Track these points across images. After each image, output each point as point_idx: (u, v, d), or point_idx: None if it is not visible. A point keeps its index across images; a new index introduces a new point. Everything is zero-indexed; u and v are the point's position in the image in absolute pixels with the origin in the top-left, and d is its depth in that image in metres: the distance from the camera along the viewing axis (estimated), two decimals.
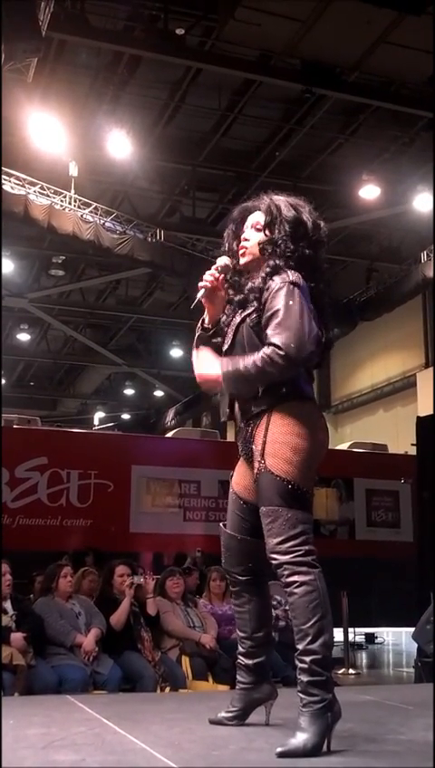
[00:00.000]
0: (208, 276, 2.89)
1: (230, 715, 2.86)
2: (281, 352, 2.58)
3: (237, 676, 2.93)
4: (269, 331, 2.64)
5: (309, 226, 2.80)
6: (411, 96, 12.98)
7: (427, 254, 15.13)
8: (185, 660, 5.51)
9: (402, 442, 11.86)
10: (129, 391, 26.05)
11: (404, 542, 10.88)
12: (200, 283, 2.90)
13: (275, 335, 2.61)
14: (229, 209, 12.65)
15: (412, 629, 6.55)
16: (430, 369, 16.82)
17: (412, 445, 9.74)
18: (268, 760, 2.40)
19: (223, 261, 2.91)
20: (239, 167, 15.25)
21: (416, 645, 6.51)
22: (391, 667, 11.17)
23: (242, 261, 2.87)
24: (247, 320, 2.78)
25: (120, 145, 13.34)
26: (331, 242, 15.06)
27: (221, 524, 2.92)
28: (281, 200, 2.85)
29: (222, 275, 2.90)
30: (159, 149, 14.32)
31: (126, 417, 26.08)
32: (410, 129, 14.02)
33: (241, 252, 2.86)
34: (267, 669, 2.91)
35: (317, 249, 2.82)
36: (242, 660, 2.89)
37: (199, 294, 2.92)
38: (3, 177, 12.67)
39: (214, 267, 2.91)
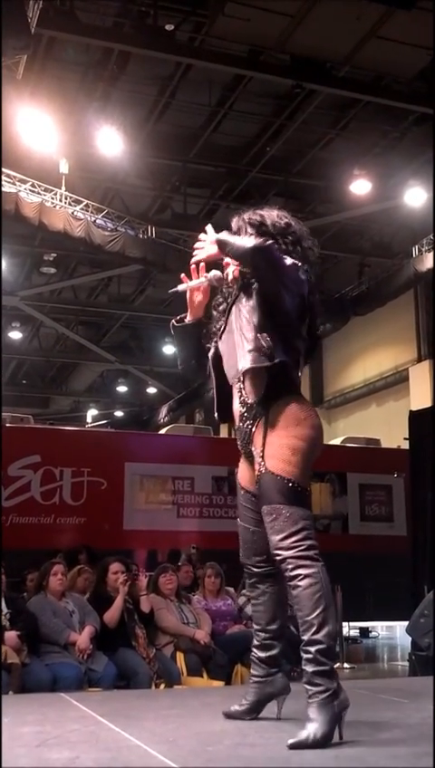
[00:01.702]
0: (194, 282, 3.03)
1: (243, 708, 2.90)
2: (270, 248, 2.73)
3: (251, 670, 2.99)
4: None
5: (268, 224, 2.91)
6: (402, 91, 12.98)
7: (418, 249, 15.15)
8: (179, 656, 5.52)
9: (395, 436, 11.88)
10: (121, 388, 26.03)
11: (398, 536, 10.91)
12: (183, 276, 3.06)
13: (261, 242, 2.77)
14: (221, 205, 12.67)
15: (406, 623, 6.57)
16: (423, 363, 16.86)
17: (405, 439, 9.77)
18: (262, 755, 2.41)
19: (212, 274, 3.03)
20: (230, 162, 15.22)
21: (410, 638, 6.53)
22: (386, 660, 11.20)
23: (231, 276, 2.98)
24: (239, 303, 2.89)
25: (111, 142, 13.30)
26: (321, 237, 15.05)
27: (238, 519, 3.01)
28: (250, 212, 2.99)
29: (206, 283, 3.02)
30: (149, 146, 14.29)
31: (119, 414, 26.06)
32: (401, 124, 14.02)
33: (225, 274, 2.99)
34: (281, 662, 2.96)
35: (293, 245, 2.89)
36: (256, 653, 2.95)
37: (181, 287, 3.06)
38: None
39: (204, 275, 3.03)
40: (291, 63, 12.48)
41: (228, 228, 3.01)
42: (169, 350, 22.92)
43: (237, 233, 2.93)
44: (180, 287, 3.05)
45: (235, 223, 3.00)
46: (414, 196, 14.60)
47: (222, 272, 3.02)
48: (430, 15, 10.95)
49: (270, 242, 2.77)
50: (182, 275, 3.08)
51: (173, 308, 20.10)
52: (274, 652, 2.92)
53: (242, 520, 2.96)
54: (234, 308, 2.91)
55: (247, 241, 2.76)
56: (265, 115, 14.06)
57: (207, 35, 12.14)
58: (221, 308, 3.04)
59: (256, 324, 2.78)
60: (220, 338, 2.97)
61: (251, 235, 2.86)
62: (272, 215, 2.94)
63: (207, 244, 2.94)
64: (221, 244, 2.85)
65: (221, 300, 3.05)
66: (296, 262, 2.81)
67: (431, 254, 14.36)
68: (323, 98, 13.28)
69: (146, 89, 13.40)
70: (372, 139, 14.58)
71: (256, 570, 2.94)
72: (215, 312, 3.05)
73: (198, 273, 3.05)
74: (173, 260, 15.03)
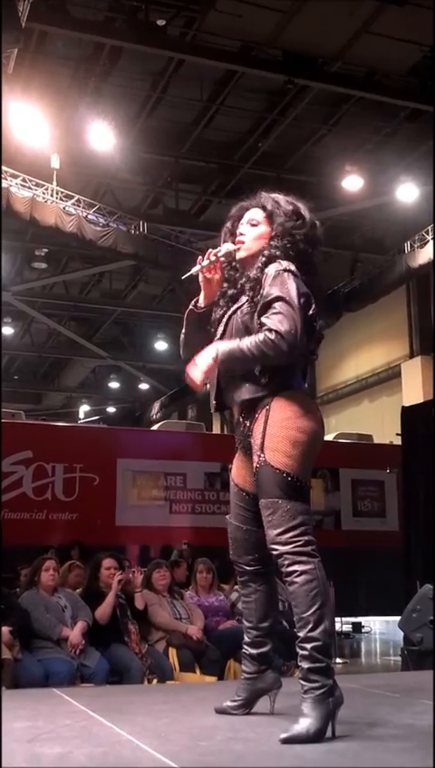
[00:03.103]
0: (208, 261, 2.92)
1: (235, 704, 2.90)
2: (282, 338, 2.61)
3: (242, 666, 2.97)
4: (267, 319, 2.66)
5: (307, 222, 2.85)
6: (394, 86, 12.97)
7: (410, 245, 15.16)
8: (172, 652, 5.51)
9: (388, 432, 11.91)
10: (114, 384, 25.99)
11: (390, 531, 10.94)
12: (199, 258, 2.94)
13: (275, 322, 2.64)
14: (212, 201, 12.66)
15: (399, 618, 6.58)
16: (415, 359, 16.89)
17: (397, 435, 9.79)
18: (255, 750, 2.41)
19: (227, 246, 2.93)
20: (222, 158, 15.21)
21: (402, 633, 6.54)
22: (379, 655, 11.22)
23: (238, 255, 2.91)
24: (239, 312, 2.83)
25: (103, 137, 13.26)
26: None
27: (227, 516, 2.97)
28: (279, 196, 2.91)
29: (222, 258, 2.93)
30: (141, 141, 14.25)
31: (111, 410, 26.03)
32: (393, 120, 14.02)
33: (237, 247, 2.90)
34: (272, 658, 2.95)
35: (313, 246, 2.87)
36: (247, 650, 2.93)
37: (194, 269, 2.95)
38: None
39: (216, 249, 2.95)
40: (283, 59, 12.47)
41: (239, 214, 2.94)
42: (161, 346, 22.91)
43: (269, 217, 2.86)
44: (194, 270, 2.95)
45: (265, 203, 2.90)
46: (406, 192, 14.61)
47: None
48: (422, 11, 10.97)
49: (271, 343, 2.62)
50: (199, 257, 2.98)
51: (165, 304, 20.11)
52: (265, 649, 2.91)
53: (234, 518, 2.92)
54: (236, 314, 2.84)
55: (262, 349, 2.62)
56: (257, 111, 14.05)
57: (199, 31, 12.12)
58: (225, 296, 2.95)
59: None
60: (217, 333, 2.90)
61: (284, 228, 2.80)
62: (305, 213, 2.86)
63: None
64: (229, 358, 2.69)
65: (226, 287, 2.96)
66: (308, 295, 2.76)
67: (430, 245, 14.34)
68: (315, 93, 13.27)
69: (138, 84, 13.37)
70: (364, 135, 14.59)
71: (247, 568, 2.92)
72: (219, 299, 2.96)
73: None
74: (165, 255, 15.01)
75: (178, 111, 14.03)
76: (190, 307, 3.00)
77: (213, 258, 2.92)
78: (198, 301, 2.99)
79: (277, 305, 2.66)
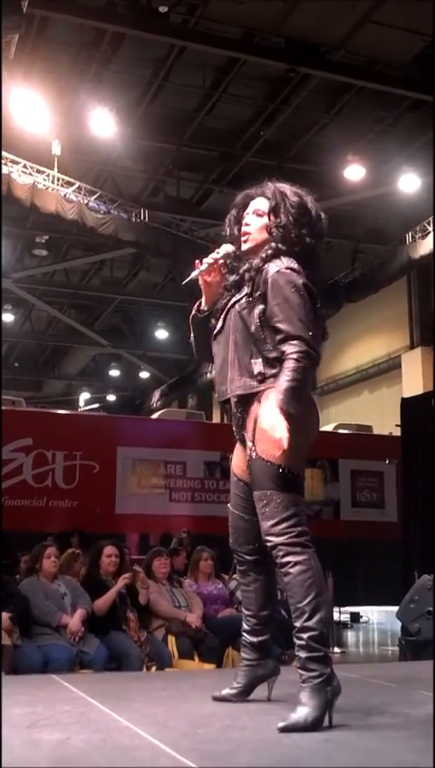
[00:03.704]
0: (209, 259, 2.92)
1: (234, 691, 2.92)
2: (310, 347, 2.63)
3: (242, 653, 3.00)
4: (286, 326, 2.66)
5: (313, 215, 2.83)
6: (396, 76, 12.90)
7: (412, 236, 15.11)
8: (171, 640, 5.53)
9: (387, 423, 11.92)
10: (114, 372, 25.98)
11: (389, 521, 10.96)
12: (197, 262, 2.94)
13: (295, 329, 2.64)
14: (214, 189, 12.62)
15: (397, 608, 6.60)
16: (415, 350, 16.87)
17: (397, 426, 9.80)
18: (252, 737, 2.42)
19: (226, 248, 2.93)
20: (224, 146, 15.14)
21: (400, 624, 6.56)
22: (376, 645, 11.27)
23: (244, 247, 2.89)
24: (237, 305, 2.81)
25: (104, 123, 13.20)
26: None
27: (229, 506, 2.98)
28: (286, 187, 2.88)
29: (221, 260, 2.92)
30: (142, 128, 14.18)
31: (111, 398, 26.03)
32: (395, 110, 13.95)
33: (243, 238, 2.88)
34: (271, 646, 2.98)
35: (318, 239, 2.85)
36: (247, 638, 2.95)
37: (194, 273, 2.94)
38: None
39: (215, 251, 2.94)
40: (285, 47, 12.40)
41: (245, 203, 2.92)
42: (161, 334, 22.87)
43: (275, 208, 2.82)
44: (193, 274, 2.95)
45: (271, 193, 2.86)
46: (408, 183, 14.55)
47: (237, 244, 2.92)
48: (424, 1, 10.89)
49: (304, 354, 2.62)
50: (196, 261, 2.98)
51: (166, 292, 20.07)
52: (264, 637, 2.93)
53: (235, 508, 2.94)
54: (235, 306, 2.81)
55: (304, 375, 2.60)
56: (259, 99, 13.97)
57: (201, 18, 12.04)
58: (228, 285, 2.92)
59: (255, 340, 2.72)
60: (216, 327, 2.89)
61: (290, 220, 2.78)
62: (311, 205, 2.84)
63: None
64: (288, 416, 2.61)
65: (231, 277, 2.93)
66: (313, 293, 2.74)
67: (431, 236, 14.29)
68: (318, 82, 13.20)
69: (139, 71, 13.29)
70: (366, 125, 14.52)
71: (247, 557, 2.93)
72: (224, 289, 2.95)
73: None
74: (166, 244, 14.96)
75: (180, 99, 13.96)
76: (194, 312, 3.00)
77: (211, 261, 2.92)
78: (200, 304, 2.99)
79: (294, 312, 2.66)
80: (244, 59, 12.68)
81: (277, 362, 2.69)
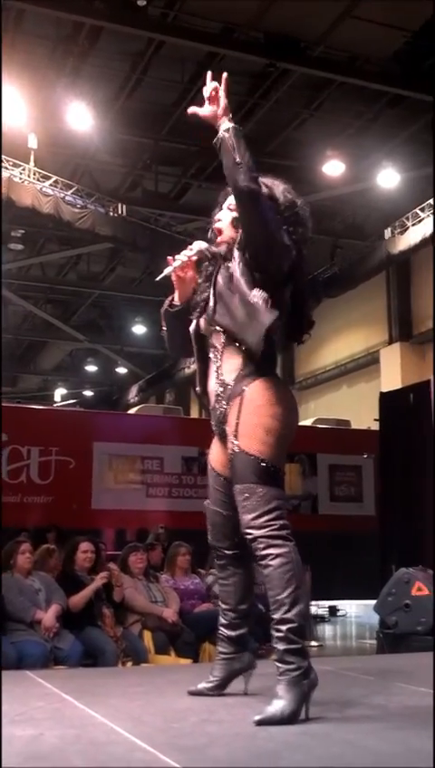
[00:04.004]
0: (182, 256, 2.91)
1: (211, 685, 2.91)
2: (262, 197, 2.66)
3: (218, 647, 2.99)
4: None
5: (281, 202, 2.80)
6: (376, 72, 12.91)
7: (391, 231, 15.16)
8: (147, 635, 5.51)
9: (366, 418, 11.95)
10: (91, 368, 25.86)
11: (366, 515, 11.00)
12: (169, 258, 2.93)
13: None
14: (192, 184, 12.57)
15: (374, 602, 6.62)
16: (394, 345, 16.94)
17: (375, 420, 9.82)
18: (229, 731, 2.39)
19: (199, 245, 2.93)
20: (202, 141, 15.06)
21: (378, 617, 6.58)
22: (354, 638, 11.30)
23: (218, 240, 2.89)
24: (222, 271, 2.81)
25: (81, 117, 13.10)
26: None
27: (206, 502, 2.98)
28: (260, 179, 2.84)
29: (195, 257, 2.92)
30: (120, 122, 14.10)
31: (88, 393, 25.92)
32: (375, 105, 13.96)
33: (216, 232, 2.89)
34: (248, 640, 2.98)
35: (295, 227, 2.81)
36: (224, 632, 2.95)
37: (167, 270, 2.93)
38: None
39: (189, 248, 2.93)
40: (264, 42, 12.36)
41: (224, 200, 2.92)
42: (139, 329, 22.79)
43: None
44: (167, 271, 2.94)
45: None
46: (387, 178, 14.58)
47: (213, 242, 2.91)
48: None
49: (265, 192, 2.69)
50: (169, 257, 2.96)
51: (144, 287, 19.99)
52: (241, 631, 2.93)
53: (213, 503, 2.93)
54: (220, 277, 2.81)
55: (243, 175, 2.63)
56: (239, 94, 13.91)
57: (180, 12, 11.97)
58: (206, 276, 2.93)
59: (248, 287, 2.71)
60: (205, 310, 2.87)
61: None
62: (278, 187, 2.84)
63: (213, 105, 2.78)
64: (224, 144, 2.70)
65: (208, 268, 2.93)
66: (284, 226, 2.74)
67: (409, 232, 14.33)
68: (297, 78, 13.18)
69: (117, 64, 13.20)
70: (345, 120, 14.53)
71: (226, 552, 2.93)
72: (200, 281, 2.94)
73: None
74: (144, 239, 14.89)
75: (159, 93, 13.88)
76: (166, 307, 2.99)
77: (184, 258, 2.92)
78: (172, 299, 2.99)
79: None
80: (223, 54, 12.63)
81: (260, 357, 2.70)
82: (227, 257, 2.81)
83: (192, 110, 2.80)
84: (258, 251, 2.70)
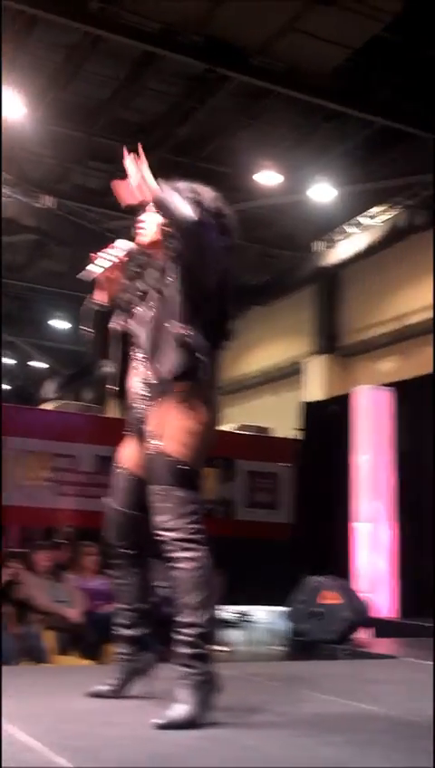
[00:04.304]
0: (110, 255, 2.90)
1: (110, 687, 2.84)
2: (208, 229, 2.67)
3: (118, 648, 2.93)
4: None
5: (204, 205, 2.77)
6: (316, 86, 12.99)
7: (321, 244, 15.30)
8: (50, 635, 5.36)
9: (286, 426, 12.01)
10: (6, 361, 25.32)
11: (281, 523, 11.01)
12: (92, 255, 2.92)
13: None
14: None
15: (284, 609, 6.61)
16: (317, 357, 17.11)
17: (296, 429, 9.87)
18: (127, 734, 2.33)
19: (123, 243, 2.93)
20: (136, 140, 14.87)
21: (287, 624, 6.57)
22: (263, 644, 11.29)
23: (138, 240, 2.90)
24: (150, 308, 2.80)
25: (12, 106, 12.78)
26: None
27: (106, 500, 2.93)
28: (181, 185, 2.84)
29: (117, 256, 2.91)
30: (52, 114, 13.81)
31: (5, 387, 25.41)
32: (313, 119, 14.07)
33: (138, 232, 2.89)
34: (148, 641, 2.93)
35: (221, 235, 2.81)
36: (123, 632, 2.89)
37: (94, 269, 2.90)
38: None
39: (114, 246, 2.93)
40: (205, 46, 12.27)
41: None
42: (59, 324, 22.42)
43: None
44: (95, 269, 2.89)
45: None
46: (320, 192, 14.72)
47: None
48: (349, 13, 10.99)
49: (208, 222, 2.69)
50: (91, 254, 2.93)
51: (67, 282, 19.61)
52: (141, 631, 2.88)
53: (117, 502, 2.88)
54: (147, 280, 2.83)
55: (187, 209, 2.63)
56: (176, 96, 13.82)
57: (121, 8, 11.80)
58: (133, 278, 2.91)
59: (179, 311, 2.70)
60: (132, 313, 2.86)
61: None
62: (207, 196, 2.82)
63: (135, 186, 2.79)
64: (158, 203, 2.71)
65: (134, 269, 2.92)
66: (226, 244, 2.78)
67: (339, 246, 14.47)
68: (236, 85, 13.17)
69: (52, 55, 12.93)
70: (282, 131, 14.57)
71: (125, 552, 2.88)
72: (125, 281, 2.92)
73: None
74: (70, 233, 14.66)
75: (93, 88, 13.63)
76: (91, 306, 2.95)
77: (115, 259, 2.90)
78: (97, 299, 2.95)
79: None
80: (161, 54, 12.52)
81: (200, 321, 2.70)
82: (154, 264, 2.81)
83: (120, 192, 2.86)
84: (193, 270, 2.71)
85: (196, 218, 2.61)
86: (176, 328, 2.69)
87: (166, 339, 2.71)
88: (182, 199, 2.66)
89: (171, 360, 2.68)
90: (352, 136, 14.04)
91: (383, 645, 5.97)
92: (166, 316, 2.73)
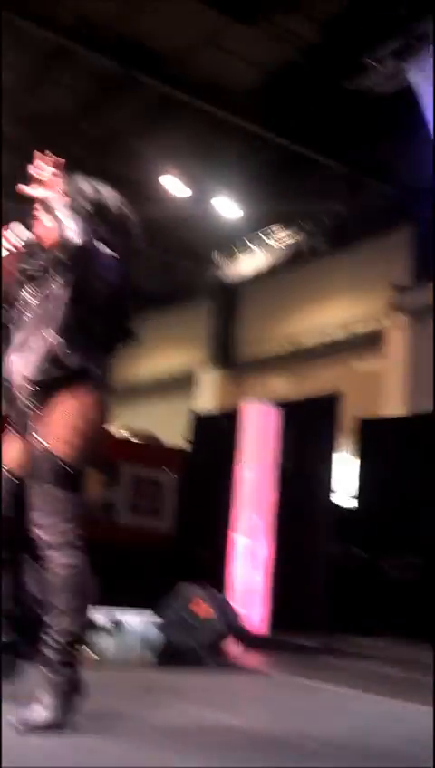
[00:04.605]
0: (7, 244, 2.87)
1: None
2: (93, 254, 2.68)
3: None
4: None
5: (107, 210, 2.84)
6: (229, 102, 13.16)
7: (221, 257, 15.47)
8: None
9: (175, 435, 12.04)
10: None
11: (162, 530, 11.00)
12: None
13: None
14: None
15: (157, 616, 6.64)
16: (210, 368, 17.26)
17: (185, 440, 9.92)
18: None
19: (22, 233, 2.90)
20: (44, 132, 14.67)
21: (159, 631, 6.60)
22: (133, 652, 11.23)
23: (37, 231, 2.86)
24: (42, 294, 2.78)
25: None
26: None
27: None
28: (85, 184, 2.90)
29: (16, 246, 2.88)
30: None
31: None
32: (222, 133, 14.21)
33: (36, 223, 2.85)
34: (13, 643, 2.86)
35: (122, 238, 2.85)
36: None
37: None
38: None
39: (10, 231, 2.89)
40: (121, 47, 12.24)
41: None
42: None
43: (72, 200, 2.80)
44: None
45: (70, 186, 2.86)
46: (223, 205, 14.90)
47: None
48: (268, 35, 11.16)
49: (95, 245, 2.69)
50: None
51: None
52: (8, 638, 2.81)
53: None
54: (40, 283, 2.80)
55: (74, 231, 2.60)
56: (88, 93, 13.71)
57: None
58: (25, 272, 2.87)
59: (58, 318, 2.69)
60: (16, 308, 2.83)
61: (82, 210, 2.76)
62: (113, 200, 2.86)
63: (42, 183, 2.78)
64: (47, 207, 2.71)
65: (28, 264, 2.88)
66: (113, 258, 2.77)
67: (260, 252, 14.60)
68: (149, 90, 13.18)
69: None
70: (192, 142, 14.68)
71: None
72: (18, 275, 2.86)
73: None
74: None
75: (4, 75, 13.35)
76: None
77: (14, 250, 2.87)
78: None
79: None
80: (75, 50, 12.37)
81: (84, 329, 2.70)
82: (48, 261, 2.78)
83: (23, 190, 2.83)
84: (78, 285, 2.71)
85: (79, 243, 2.60)
86: (49, 337, 2.67)
87: (37, 344, 2.68)
88: (70, 217, 2.64)
89: (36, 367, 2.66)
90: (258, 154, 14.30)
91: (252, 658, 6.07)
92: (45, 321, 2.70)
